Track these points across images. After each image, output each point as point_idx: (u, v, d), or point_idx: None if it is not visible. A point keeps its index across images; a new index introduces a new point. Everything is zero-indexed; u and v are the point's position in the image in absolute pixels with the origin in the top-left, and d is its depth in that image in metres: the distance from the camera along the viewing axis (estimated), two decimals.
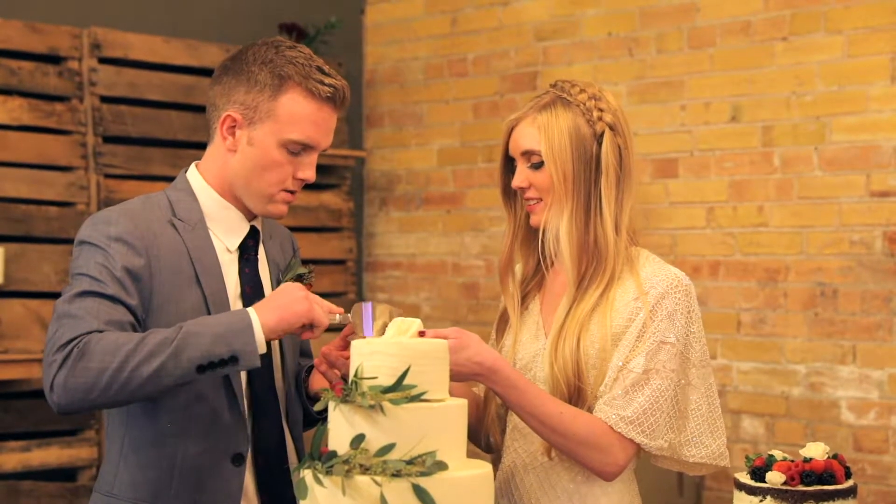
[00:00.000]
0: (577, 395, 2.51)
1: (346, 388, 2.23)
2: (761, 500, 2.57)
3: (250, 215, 2.57)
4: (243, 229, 2.56)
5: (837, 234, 4.21)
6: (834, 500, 2.56)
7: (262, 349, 2.34)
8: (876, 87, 4.13)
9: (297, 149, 2.48)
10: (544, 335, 2.61)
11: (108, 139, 4.67)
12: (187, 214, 2.50)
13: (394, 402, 2.17)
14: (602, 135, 2.55)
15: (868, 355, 4.14)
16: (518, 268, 2.74)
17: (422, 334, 2.36)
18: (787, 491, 2.54)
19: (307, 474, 2.19)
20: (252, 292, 2.54)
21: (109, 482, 2.48)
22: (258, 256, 2.60)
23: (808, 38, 4.27)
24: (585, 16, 4.83)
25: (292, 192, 2.54)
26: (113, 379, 2.26)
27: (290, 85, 2.47)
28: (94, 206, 4.57)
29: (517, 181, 2.58)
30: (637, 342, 2.50)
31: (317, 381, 2.60)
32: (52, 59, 4.57)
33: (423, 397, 2.21)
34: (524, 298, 2.70)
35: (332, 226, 5.25)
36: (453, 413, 2.27)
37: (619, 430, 2.46)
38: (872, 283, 4.13)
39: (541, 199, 2.57)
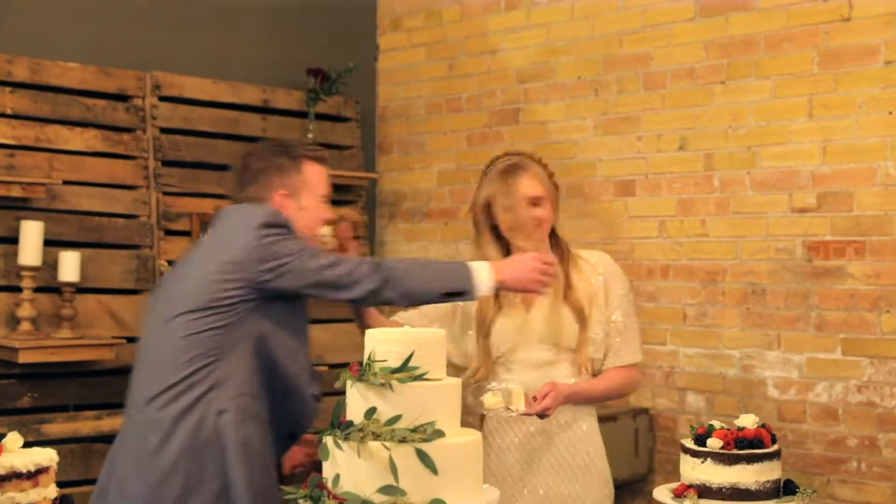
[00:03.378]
0: None
1: (362, 369, 2.23)
2: (703, 462, 2.57)
3: None
4: None
5: (766, 243, 4.21)
6: (762, 462, 2.56)
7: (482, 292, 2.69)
8: (796, 122, 4.12)
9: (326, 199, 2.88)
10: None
11: (166, 163, 4.66)
12: None
13: (400, 380, 2.17)
14: None
15: (790, 342, 4.13)
16: None
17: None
18: (724, 454, 2.55)
19: (329, 440, 2.19)
20: None
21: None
22: None
23: (742, 82, 4.26)
24: (559, 63, 4.82)
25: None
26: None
27: (304, 160, 2.84)
28: (154, 218, 4.56)
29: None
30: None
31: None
32: (121, 97, 4.57)
33: (424, 377, 2.21)
34: None
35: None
36: (449, 390, 2.27)
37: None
38: (794, 283, 4.13)
39: None
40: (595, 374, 3.03)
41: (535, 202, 3.00)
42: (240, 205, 2.79)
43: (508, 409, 2.69)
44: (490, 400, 2.68)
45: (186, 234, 4.65)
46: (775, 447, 2.64)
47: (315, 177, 2.85)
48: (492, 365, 2.98)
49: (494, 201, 3.04)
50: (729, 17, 4.28)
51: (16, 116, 4.24)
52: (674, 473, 4.24)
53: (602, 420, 4.21)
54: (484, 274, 2.67)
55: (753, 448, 2.61)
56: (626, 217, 4.59)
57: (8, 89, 4.23)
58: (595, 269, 3.04)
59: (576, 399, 2.93)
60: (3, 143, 4.19)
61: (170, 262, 4.52)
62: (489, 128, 5.09)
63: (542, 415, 2.79)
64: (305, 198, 2.82)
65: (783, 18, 4.14)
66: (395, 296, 2.59)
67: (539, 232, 3.01)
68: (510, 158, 3.08)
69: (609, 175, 4.63)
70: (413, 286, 2.59)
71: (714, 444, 2.61)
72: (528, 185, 3.01)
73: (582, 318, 2.97)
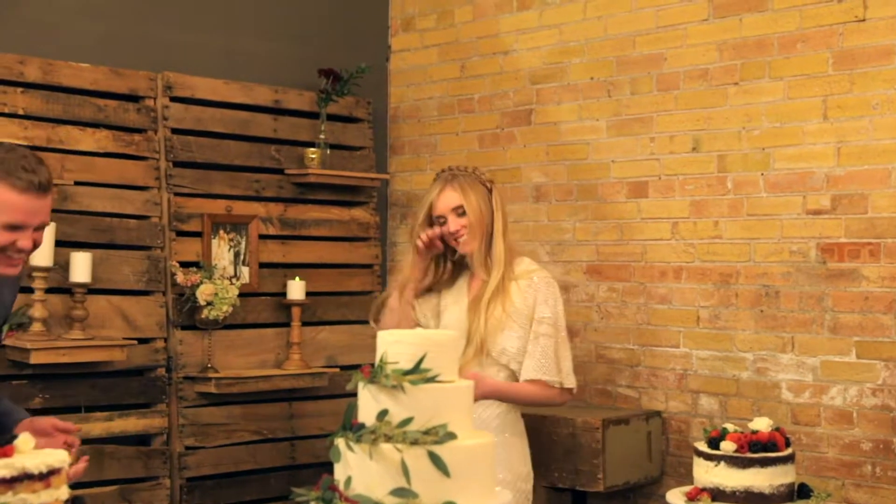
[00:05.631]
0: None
1: (373, 371, 2.23)
2: (716, 465, 2.57)
3: None
4: None
5: (779, 245, 4.20)
6: (776, 465, 2.55)
7: None
8: (810, 123, 4.11)
9: (11, 228, 2.66)
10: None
11: (178, 164, 4.67)
12: None
13: (413, 382, 2.17)
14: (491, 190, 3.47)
15: (804, 345, 4.12)
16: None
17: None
18: (737, 457, 2.54)
19: (340, 442, 2.19)
20: None
21: None
22: None
23: (756, 83, 4.25)
24: (572, 63, 4.82)
25: (18, 255, 2.73)
26: None
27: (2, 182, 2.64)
28: (165, 219, 4.57)
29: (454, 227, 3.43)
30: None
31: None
32: (132, 98, 4.58)
33: (436, 379, 2.21)
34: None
35: (362, 236, 5.25)
36: (461, 392, 2.27)
37: (545, 379, 3.32)
38: (808, 285, 4.11)
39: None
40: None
41: (455, 212, 3.42)
42: None
43: None
44: None
45: (198, 234, 4.66)
46: (789, 451, 2.64)
47: (2, 202, 2.65)
48: None
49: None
50: (742, 17, 4.27)
51: (27, 117, 4.25)
52: (686, 476, 4.23)
53: (614, 423, 4.23)
54: None
55: (767, 451, 2.61)
56: (639, 218, 4.58)
57: (20, 90, 4.25)
58: (524, 292, 3.38)
59: (497, 396, 3.32)
60: (16, 144, 4.20)
61: (181, 264, 4.54)
62: (501, 129, 5.09)
63: None
64: None
65: (797, 19, 4.13)
66: None
67: (462, 246, 3.42)
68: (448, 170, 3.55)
69: (622, 176, 4.63)
70: None
71: (727, 447, 2.61)
72: (440, 199, 3.47)
73: (497, 330, 3.33)
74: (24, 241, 2.71)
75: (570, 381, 3.40)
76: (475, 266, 3.45)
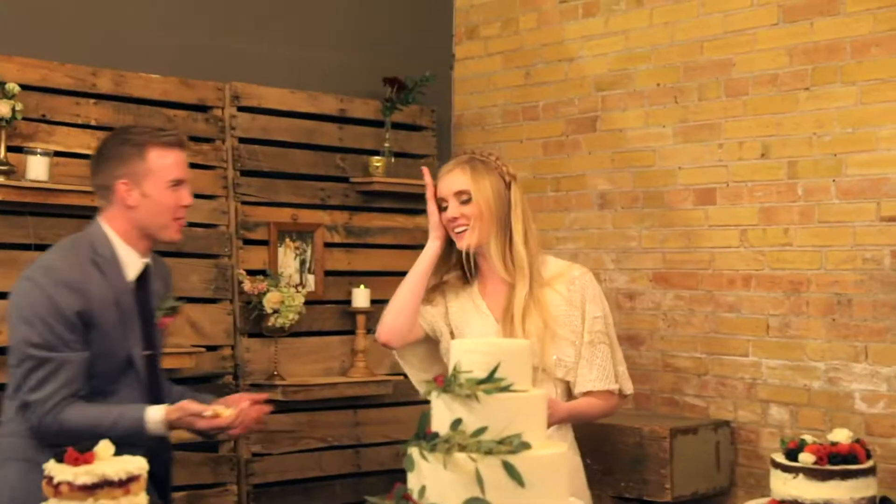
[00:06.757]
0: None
1: (447, 380, 2.22)
2: (794, 477, 2.51)
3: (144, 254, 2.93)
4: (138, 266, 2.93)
5: (852, 253, 4.11)
6: (857, 478, 2.49)
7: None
8: (885, 129, 4.03)
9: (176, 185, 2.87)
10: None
11: (245, 173, 4.70)
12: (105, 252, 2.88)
13: (486, 391, 2.16)
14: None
15: (878, 354, 4.03)
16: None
17: None
18: (816, 469, 2.48)
19: (414, 451, 2.18)
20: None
21: None
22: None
23: (827, 88, 4.18)
24: (638, 70, 4.77)
25: (182, 215, 2.94)
26: None
27: (149, 147, 2.86)
28: (232, 227, 4.60)
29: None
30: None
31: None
32: (201, 108, 4.62)
33: (510, 388, 2.19)
34: None
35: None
36: (535, 402, 2.25)
37: (608, 388, 2.95)
38: (882, 293, 4.03)
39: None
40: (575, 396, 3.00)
41: (458, 197, 3.02)
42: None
43: None
44: None
45: (264, 243, 4.69)
46: (870, 463, 2.57)
47: (161, 162, 2.86)
48: None
49: None
50: (814, 21, 4.20)
51: (100, 128, 4.30)
52: (756, 487, 4.16)
53: (682, 432, 4.18)
54: (154, 417, 2.81)
55: (847, 464, 2.54)
56: (707, 226, 4.52)
57: (92, 101, 4.31)
58: (569, 295, 2.96)
59: (571, 418, 2.97)
60: (88, 154, 4.25)
61: (248, 272, 4.57)
62: (566, 136, 5.06)
63: None
64: (149, 185, 2.85)
65: (870, 23, 4.06)
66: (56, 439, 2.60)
67: (460, 240, 3.02)
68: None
69: (689, 183, 4.57)
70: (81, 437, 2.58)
71: (806, 459, 2.55)
72: (443, 180, 3.07)
73: (546, 344, 2.92)
74: (186, 197, 2.92)
75: (628, 387, 3.03)
76: (496, 266, 2.98)
